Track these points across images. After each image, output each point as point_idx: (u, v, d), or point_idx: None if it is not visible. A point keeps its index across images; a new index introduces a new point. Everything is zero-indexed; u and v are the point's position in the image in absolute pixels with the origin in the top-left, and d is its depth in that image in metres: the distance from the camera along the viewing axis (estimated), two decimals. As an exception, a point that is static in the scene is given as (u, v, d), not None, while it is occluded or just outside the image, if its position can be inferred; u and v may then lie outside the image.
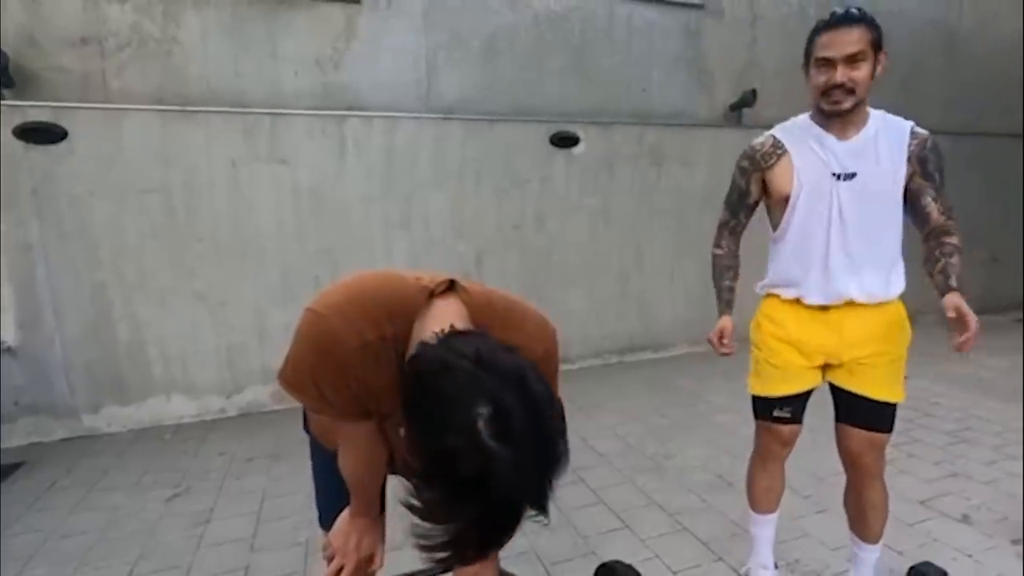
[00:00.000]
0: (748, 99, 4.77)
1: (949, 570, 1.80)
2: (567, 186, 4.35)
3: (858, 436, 1.53)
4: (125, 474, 2.89)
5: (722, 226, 1.76)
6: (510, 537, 0.69)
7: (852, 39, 1.36)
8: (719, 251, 1.78)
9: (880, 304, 1.49)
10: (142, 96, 3.44)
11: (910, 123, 1.48)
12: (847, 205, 1.46)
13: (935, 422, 3.19)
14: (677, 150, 4.63)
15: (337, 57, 3.83)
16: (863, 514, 1.60)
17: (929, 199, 1.45)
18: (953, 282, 1.38)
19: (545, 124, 4.21)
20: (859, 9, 1.39)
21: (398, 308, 0.89)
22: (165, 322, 3.51)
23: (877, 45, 1.39)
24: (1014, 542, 2.05)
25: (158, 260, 3.46)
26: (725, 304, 1.75)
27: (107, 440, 3.35)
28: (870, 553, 1.64)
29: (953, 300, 1.32)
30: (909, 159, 1.44)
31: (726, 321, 1.70)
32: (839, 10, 1.40)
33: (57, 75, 3.30)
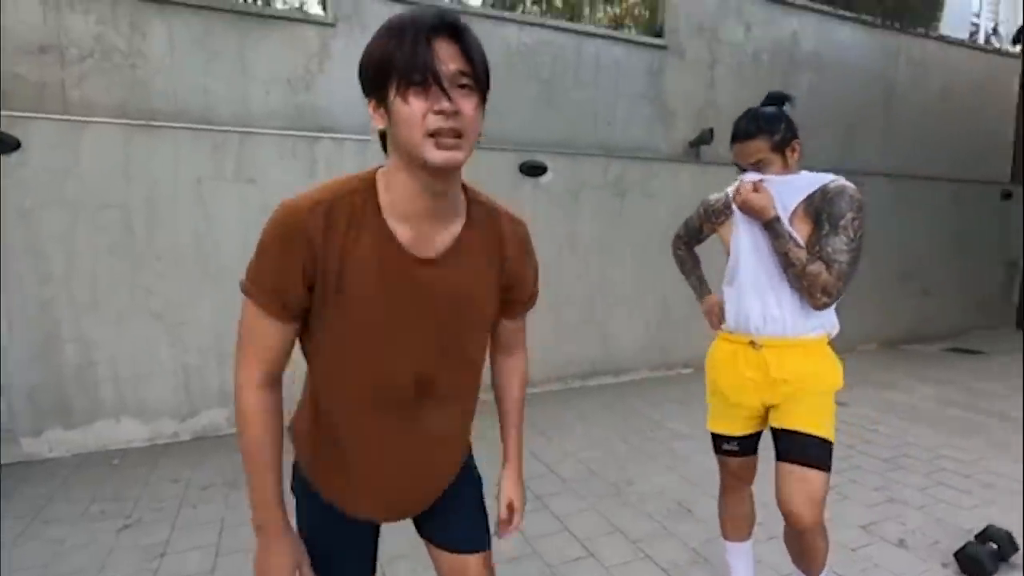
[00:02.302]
0: (706, 137, 5.02)
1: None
2: (534, 214, 4.45)
3: (790, 474, 1.52)
4: (70, 503, 2.75)
5: (679, 238, 1.99)
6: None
7: (752, 150, 1.54)
8: (680, 252, 2.01)
9: (803, 342, 1.58)
10: (104, 108, 3.35)
11: (828, 179, 1.54)
12: (771, 257, 1.57)
13: (874, 448, 3.41)
14: (640, 182, 4.82)
15: (309, 78, 3.84)
16: (803, 555, 1.62)
17: (816, 239, 1.51)
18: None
19: (515, 153, 4.31)
20: (755, 119, 1.53)
21: (355, 180, 0.91)
22: (118, 342, 3.37)
23: (781, 144, 1.53)
24: (944, 565, 2.22)
25: (113, 278, 3.34)
26: (702, 289, 1.98)
27: (50, 466, 3.18)
28: None
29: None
30: (808, 209, 1.52)
31: (710, 299, 1.91)
32: (739, 124, 1.57)
33: (12, 84, 3.18)
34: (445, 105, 0.79)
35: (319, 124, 3.84)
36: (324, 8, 3.93)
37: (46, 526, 2.53)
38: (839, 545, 2.37)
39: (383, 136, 0.89)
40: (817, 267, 1.47)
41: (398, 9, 4.02)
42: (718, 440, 1.79)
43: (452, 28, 0.81)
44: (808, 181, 1.56)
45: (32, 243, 3.17)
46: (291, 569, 0.97)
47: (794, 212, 1.54)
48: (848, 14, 5.91)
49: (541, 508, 2.67)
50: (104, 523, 2.56)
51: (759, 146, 1.53)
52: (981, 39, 9.30)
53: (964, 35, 8.56)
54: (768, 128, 1.52)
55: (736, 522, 1.86)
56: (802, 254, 1.49)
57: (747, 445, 1.76)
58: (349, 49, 3.91)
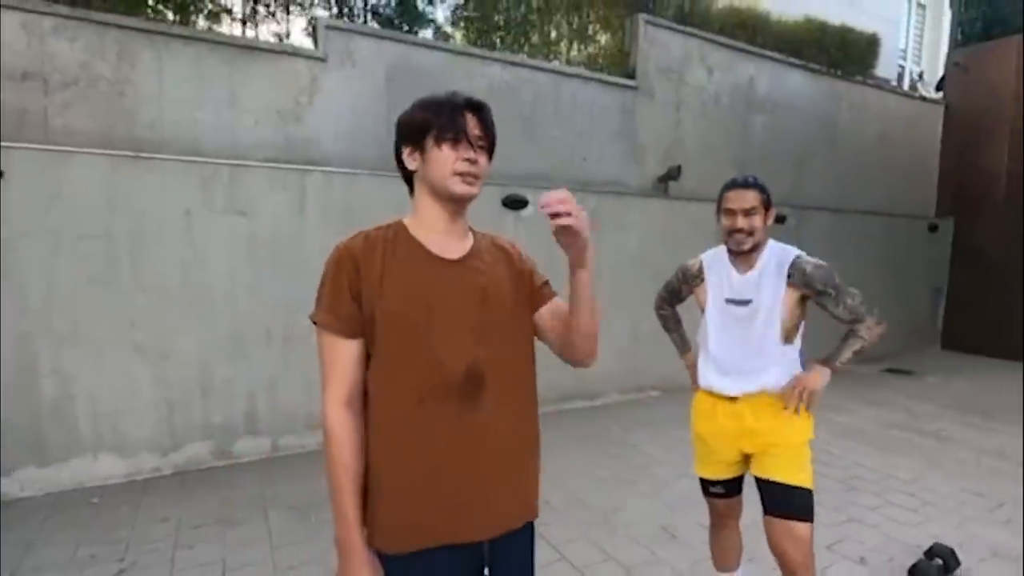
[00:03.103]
0: (674, 174, 5.35)
1: None
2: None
3: (779, 529, 1.71)
4: (55, 547, 2.67)
5: (662, 299, 2.19)
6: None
7: (749, 197, 1.78)
8: (664, 312, 2.21)
9: (776, 396, 1.80)
10: (88, 137, 3.30)
11: (795, 253, 1.81)
12: (738, 325, 1.83)
13: (830, 470, 3.73)
14: (613, 215, 5.08)
15: (299, 111, 3.88)
16: None
17: (831, 308, 1.79)
18: (830, 353, 1.81)
19: (498, 187, 4.47)
20: (754, 177, 1.84)
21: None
22: (98, 376, 3.29)
23: (767, 204, 1.80)
24: (900, 581, 2.50)
25: (95, 310, 3.26)
26: (684, 347, 2.18)
27: (24, 507, 3.06)
28: None
29: (807, 372, 1.78)
30: (793, 283, 1.77)
31: (689, 357, 2.11)
32: (739, 177, 1.85)
33: (-7, 111, 3.08)
34: (471, 154, 1.10)
35: (308, 156, 3.88)
36: (315, 43, 3.98)
37: (36, 574, 2.46)
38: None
39: (409, 178, 1.18)
40: (865, 330, 1.78)
41: (387, 47, 4.16)
42: (705, 484, 2.00)
43: (477, 106, 1.13)
44: (783, 251, 1.83)
45: (10, 273, 3.07)
46: None
47: (788, 279, 1.77)
48: (797, 61, 6.42)
49: (538, 536, 2.79)
50: (96, 568, 2.51)
51: (755, 196, 1.78)
52: (906, 81, 10.22)
53: (892, 76, 9.40)
54: (762, 187, 1.82)
55: (725, 554, 2.06)
56: (856, 345, 1.78)
57: (731, 487, 1.97)
58: (339, 84, 3.98)
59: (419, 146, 1.12)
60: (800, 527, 1.69)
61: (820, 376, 1.76)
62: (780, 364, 1.81)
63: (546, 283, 1.26)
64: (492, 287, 1.15)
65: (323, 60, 3.92)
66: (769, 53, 6.18)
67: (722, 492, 1.96)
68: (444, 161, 1.09)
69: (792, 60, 6.38)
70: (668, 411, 4.95)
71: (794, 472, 1.74)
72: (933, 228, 7.79)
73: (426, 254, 1.12)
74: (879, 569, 2.59)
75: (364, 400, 1.10)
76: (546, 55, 5.54)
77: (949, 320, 8.01)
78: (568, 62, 5.59)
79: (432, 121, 1.10)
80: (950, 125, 8.00)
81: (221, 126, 3.64)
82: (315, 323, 1.10)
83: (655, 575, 2.52)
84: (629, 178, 5.32)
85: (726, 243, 1.86)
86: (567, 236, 0.98)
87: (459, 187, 1.10)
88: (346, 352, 1.08)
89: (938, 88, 8.61)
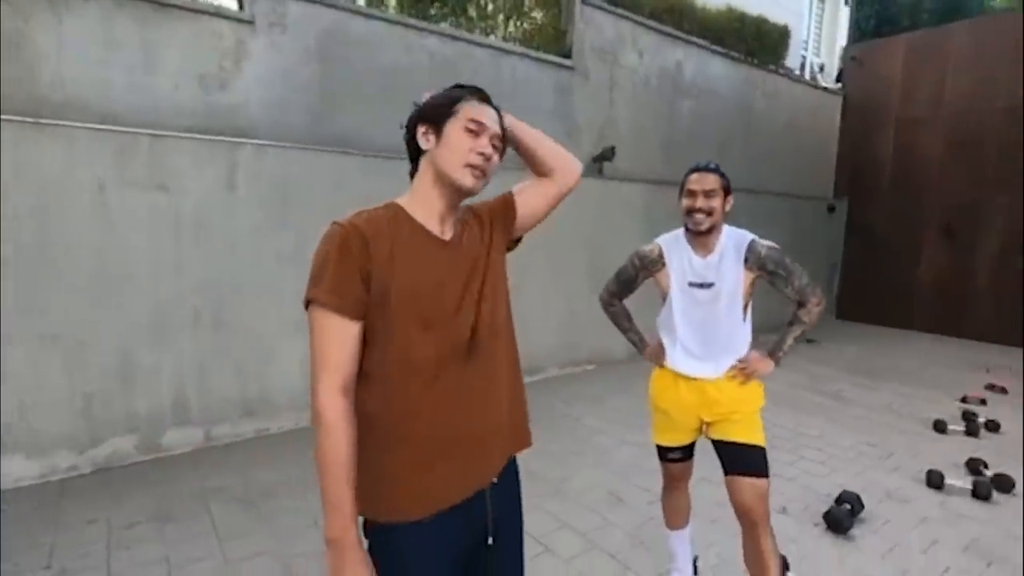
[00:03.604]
0: (608, 154, 5.49)
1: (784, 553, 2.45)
2: (457, 224, 4.59)
3: (742, 484, 1.85)
4: (-36, 560, 2.41)
5: (611, 295, 2.23)
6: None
7: (710, 180, 1.89)
8: (614, 308, 2.25)
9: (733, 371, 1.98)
10: (-26, 99, 2.88)
11: (750, 237, 1.95)
12: (699, 307, 1.96)
13: (751, 431, 4.09)
14: (551, 194, 5.14)
15: (224, 76, 3.60)
16: (761, 563, 1.87)
17: (780, 287, 1.96)
18: (774, 344, 2.00)
19: (439, 164, 4.39)
20: (716, 164, 1.95)
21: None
22: (2, 368, 2.95)
23: (726, 189, 1.92)
24: (816, 525, 2.82)
25: (-8, 295, 2.91)
26: (639, 341, 2.22)
27: (-84, 518, 2.72)
28: None
29: (753, 353, 1.97)
30: (749, 266, 1.92)
31: (650, 349, 2.16)
32: (702, 162, 1.95)
33: None
34: (487, 149, 1.13)
35: (235, 126, 3.62)
36: (240, 4, 3.68)
37: (-55, 590, 2.21)
38: (728, 513, 2.89)
39: (415, 156, 1.18)
40: (806, 314, 1.94)
41: (322, 12, 3.92)
42: (663, 450, 2.13)
43: (499, 110, 1.19)
44: (738, 236, 1.95)
45: None
46: None
47: (745, 263, 1.90)
48: (719, 49, 6.75)
49: (493, 511, 2.88)
50: (19, 578, 2.30)
51: (715, 180, 1.88)
52: (807, 71, 11.03)
53: (796, 66, 10.13)
54: (723, 173, 1.92)
55: (677, 514, 2.23)
56: (797, 331, 1.95)
57: (687, 452, 2.12)
58: (267, 49, 3.72)
59: (437, 127, 1.12)
60: (761, 483, 1.87)
61: (766, 366, 1.96)
62: (742, 341, 1.97)
63: (501, 198, 1.32)
64: (478, 259, 1.19)
65: (250, 23, 3.63)
66: (695, 39, 6.44)
67: (679, 457, 2.11)
68: (459, 148, 1.11)
69: (715, 48, 6.69)
70: (604, 384, 5.20)
71: (752, 434, 1.92)
72: (831, 209, 8.57)
73: (426, 235, 1.14)
74: (799, 517, 2.90)
75: (359, 382, 1.07)
76: (483, 29, 5.45)
77: (843, 292, 8.90)
78: (505, 38, 5.54)
79: (458, 106, 1.12)
80: (847, 114, 8.76)
81: (136, 90, 3.30)
82: (314, 304, 1.03)
83: (608, 537, 2.68)
84: (566, 157, 5.40)
85: (685, 223, 1.95)
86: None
87: (468, 179, 1.11)
88: (349, 335, 1.04)
89: (837, 79, 9.37)
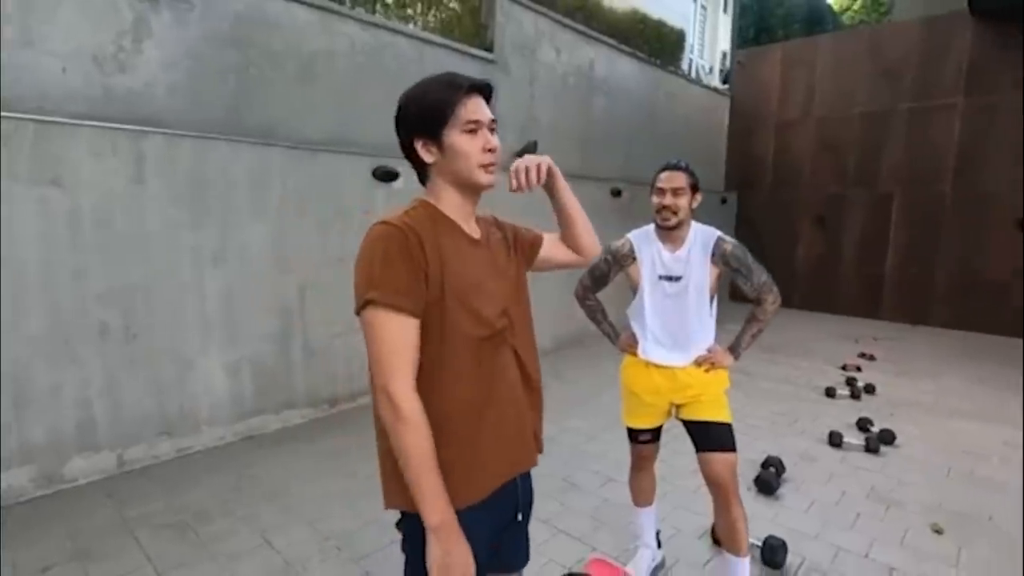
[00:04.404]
0: (531, 148, 5.59)
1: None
2: (388, 219, 4.45)
3: (714, 460, 1.99)
4: None
5: (586, 289, 2.32)
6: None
7: (678, 178, 2.02)
8: (591, 302, 2.35)
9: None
10: None
11: (716, 234, 2.10)
12: (668, 299, 2.09)
13: (677, 409, 4.40)
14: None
15: (123, 57, 3.21)
16: (733, 528, 2.00)
17: (741, 283, 2.13)
18: (734, 342, 2.17)
19: (368, 157, 4.23)
20: (686, 163, 2.08)
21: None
22: None
23: (694, 187, 2.06)
24: (749, 489, 3.11)
25: None
26: (614, 335, 2.32)
27: None
28: (743, 566, 2.03)
29: (717, 347, 2.13)
30: (715, 261, 2.07)
31: (623, 340, 2.27)
32: (672, 161, 2.08)
33: None
34: (492, 143, 1.13)
35: (141, 115, 3.24)
36: (139, -25, 3.28)
37: None
38: (681, 488, 3.12)
39: (421, 167, 1.16)
40: (762, 313, 2.09)
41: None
42: (634, 432, 2.26)
43: (488, 89, 1.15)
44: (706, 232, 2.08)
45: None
46: (472, 561, 1.05)
47: (711, 258, 2.04)
48: (626, 48, 7.10)
49: (453, 508, 2.87)
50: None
51: (684, 178, 2.00)
52: (694, 72, 11.95)
53: (684, 68, 10.94)
54: (691, 171, 2.05)
55: (645, 493, 2.37)
56: (754, 329, 2.11)
57: (656, 434, 2.26)
58: (173, 28, 3.36)
59: (435, 139, 1.11)
60: (730, 456, 2.03)
61: (728, 359, 2.14)
62: (708, 330, 2.12)
63: (527, 229, 1.38)
64: (501, 260, 1.24)
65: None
66: (605, 39, 6.71)
67: (649, 439, 2.24)
68: (467, 155, 1.10)
69: (623, 47, 7.02)
70: (549, 374, 5.30)
71: (720, 412, 2.08)
72: (723, 201, 9.36)
73: (462, 233, 1.17)
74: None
75: (420, 377, 1.08)
76: (402, 18, 5.30)
77: (734, 277, 9.76)
78: (424, 28, 5.42)
79: (447, 112, 1.09)
80: (734, 115, 9.59)
81: (14, 71, 2.85)
82: (375, 305, 1.01)
83: (569, 522, 2.77)
84: (491, 152, 5.42)
85: (655, 219, 2.06)
86: (537, 181, 1.21)
87: (485, 179, 1.14)
88: (414, 334, 1.05)
89: (724, 81, 10.22)
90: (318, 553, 2.49)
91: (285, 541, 2.58)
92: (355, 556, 2.47)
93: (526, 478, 1.29)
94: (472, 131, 1.10)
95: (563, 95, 6.18)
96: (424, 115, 1.10)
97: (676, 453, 3.21)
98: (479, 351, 1.13)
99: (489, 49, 5.38)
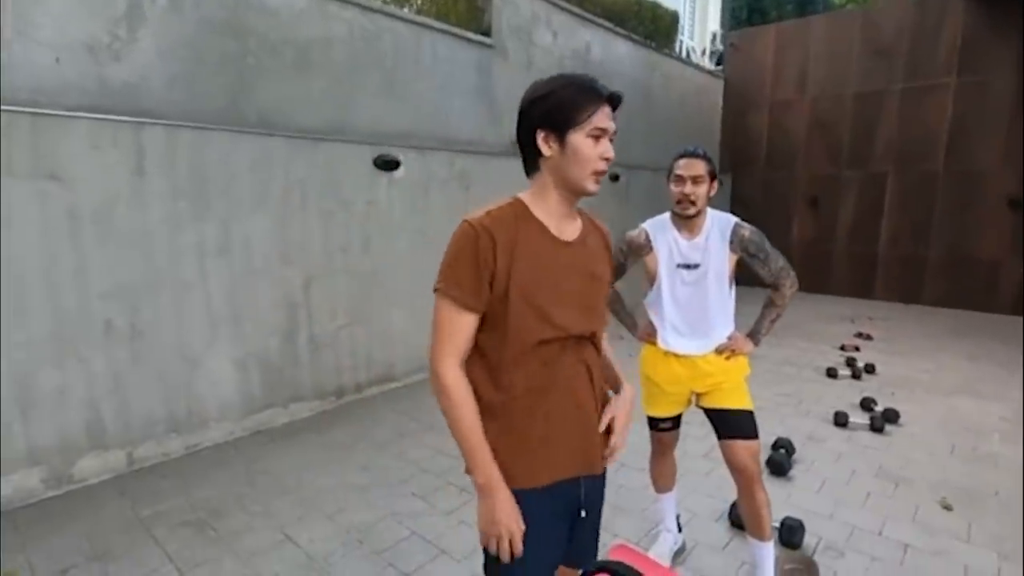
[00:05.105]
0: (531, 134, 5.53)
1: (727, 499, 2.72)
2: (391, 210, 4.40)
3: (737, 447, 2.01)
4: None
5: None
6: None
7: (698, 166, 1.98)
8: (610, 293, 2.31)
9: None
10: None
11: (734, 220, 2.08)
12: (686, 287, 2.07)
13: (683, 393, 4.44)
14: (479, 175, 5.11)
15: (118, 47, 3.10)
16: (757, 514, 2.03)
17: (758, 269, 2.12)
18: (753, 328, 2.17)
19: (368, 146, 4.17)
20: (703, 149, 2.05)
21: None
22: None
23: (712, 174, 2.03)
24: (761, 471, 3.15)
25: None
26: (632, 325, 2.32)
27: None
28: (768, 550, 2.08)
29: (737, 334, 2.12)
30: (733, 248, 2.06)
31: (642, 331, 2.25)
32: (690, 147, 2.04)
33: None
34: (611, 152, 1.16)
35: (140, 106, 3.15)
36: (131, -41, 3.17)
37: None
38: (697, 473, 3.16)
39: (532, 157, 1.18)
40: (780, 298, 2.08)
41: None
42: (654, 421, 2.26)
43: (619, 101, 1.18)
44: (723, 219, 2.07)
45: None
46: (519, 516, 1.15)
47: (730, 245, 2.03)
48: (621, 31, 7.02)
49: (475, 499, 2.88)
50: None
51: (703, 166, 1.96)
52: (684, 53, 11.86)
53: (676, 49, 10.86)
54: (710, 159, 2.01)
55: (666, 479, 2.38)
56: (772, 314, 2.10)
57: (676, 422, 2.27)
58: (168, 16, 3.25)
59: (559, 135, 1.13)
60: (753, 443, 2.04)
61: (748, 346, 2.13)
62: (727, 318, 2.11)
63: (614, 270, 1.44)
64: (596, 267, 1.26)
65: (145, -16, 3.15)
66: (601, 21, 6.63)
67: (669, 427, 2.24)
68: (586, 160, 1.13)
69: (618, 30, 6.94)
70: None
71: (741, 400, 2.08)
72: (719, 183, 9.36)
73: (549, 235, 1.18)
74: (745, 466, 3.22)
75: (482, 364, 1.18)
76: (398, 3, 5.18)
77: (729, 259, 9.82)
78: (419, 11, 5.31)
79: (580, 114, 1.12)
80: (728, 97, 9.56)
81: (8, 62, 2.74)
82: (441, 293, 1.13)
83: (588, 508, 2.79)
84: (487, 137, 5.36)
85: (674, 208, 2.04)
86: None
87: (593, 186, 1.17)
88: (469, 325, 1.14)
89: (718, 63, 10.17)
90: (341, 547, 2.49)
91: (306, 536, 2.58)
92: (378, 549, 2.47)
93: (593, 481, 1.30)
94: (596, 137, 1.13)
95: (560, 79, 6.10)
96: (555, 110, 1.12)
97: (687, 437, 3.25)
98: (542, 350, 1.16)
99: (487, 33, 5.29)
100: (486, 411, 1.16)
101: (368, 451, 3.45)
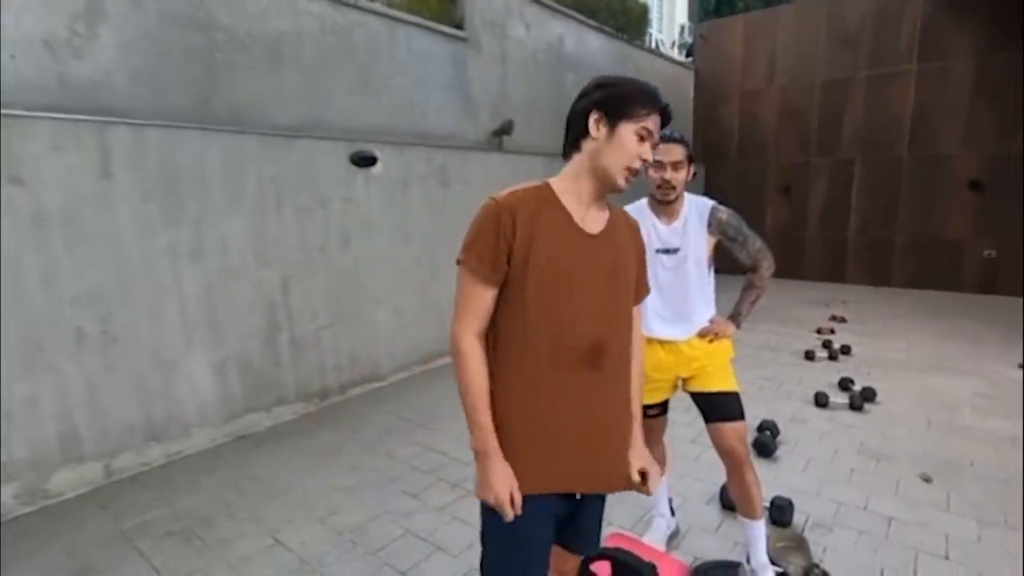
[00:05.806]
0: (507, 128, 5.51)
1: (717, 481, 2.76)
2: (369, 207, 4.33)
3: (725, 430, 2.03)
4: None
5: None
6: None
7: (676, 151, 1.96)
8: None
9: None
10: None
11: (711, 204, 2.10)
12: (667, 272, 2.07)
13: (667, 381, 4.48)
14: (458, 170, 5.06)
15: (78, 43, 2.98)
16: (747, 494, 2.06)
17: (737, 252, 2.15)
18: (734, 310, 2.20)
19: (344, 143, 4.09)
20: (680, 133, 2.02)
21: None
22: None
23: (690, 158, 2.02)
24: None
25: None
26: None
27: None
28: (759, 529, 2.10)
29: (718, 317, 2.14)
30: (711, 231, 2.08)
31: None
32: (667, 132, 1.95)
33: None
34: (650, 158, 1.22)
35: (103, 105, 3.03)
36: (90, -48, 3.04)
37: None
38: (686, 457, 3.20)
39: (576, 139, 1.22)
40: (759, 280, 2.11)
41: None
42: (642, 408, 2.27)
43: (670, 117, 1.25)
44: (700, 203, 2.08)
45: None
46: (513, 483, 1.17)
47: (708, 228, 2.05)
48: (593, 23, 7.03)
49: (467, 495, 2.86)
50: None
51: (681, 151, 1.95)
52: (654, 45, 11.98)
53: (645, 40, 10.96)
54: (687, 143, 2.00)
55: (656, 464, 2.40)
56: (752, 296, 2.13)
57: (664, 408, 2.28)
58: (128, 10, 3.13)
59: (612, 122, 1.17)
60: (740, 425, 2.06)
61: (730, 328, 2.15)
62: (707, 301, 2.13)
63: (644, 284, 1.40)
64: (621, 263, 1.26)
65: (105, -23, 3.03)
66: (573, 13, 6.63)
67: (656, 413, 2.25)
68: (627, 153, 1.17)
69: (590, 22, 6.95)
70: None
71: (726, 382, 2.10)
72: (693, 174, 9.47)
73: (572, 224, 1.20)
74: (732, 449, 3.27)
75: (494, 349, 1.20)
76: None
77: (704, 248, 9.96)
78: (390, 4, 5.23)
79: (637, 111, 1.17)
80: (698, 87, 9.67)
81: (-44, 59, 2.61)
82: (463, 264, 1.17)
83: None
84: (465, 131, 5.33)
85: (654, 194, 2.02)
86: None
87: (623, 182, 1.21)
88: (487, 298, 1.18)
89: (688, 55, 10.28)
90: (334, 549, 2.44)
91: (297, 539, 2.53)
92: (371, 549, 2.44)
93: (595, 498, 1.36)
94: (642, 137, 1.18)
95: (534, 72, 6.10)
96: (616, 99, 1.17)
97: (674, 423, 3.27)
98: (548, 358, 1.17)
99: (459, 27, 5.24)
100: (501, 399, 1.20)
101: (356, 452, 3.40)
